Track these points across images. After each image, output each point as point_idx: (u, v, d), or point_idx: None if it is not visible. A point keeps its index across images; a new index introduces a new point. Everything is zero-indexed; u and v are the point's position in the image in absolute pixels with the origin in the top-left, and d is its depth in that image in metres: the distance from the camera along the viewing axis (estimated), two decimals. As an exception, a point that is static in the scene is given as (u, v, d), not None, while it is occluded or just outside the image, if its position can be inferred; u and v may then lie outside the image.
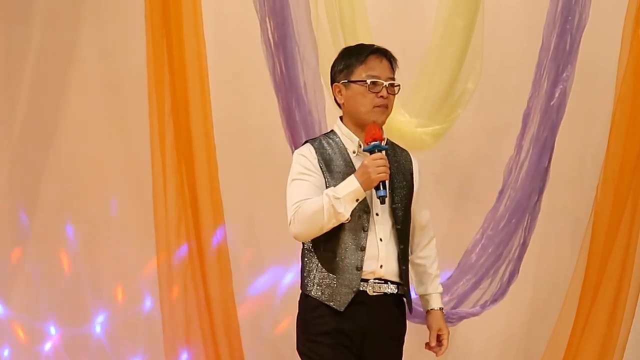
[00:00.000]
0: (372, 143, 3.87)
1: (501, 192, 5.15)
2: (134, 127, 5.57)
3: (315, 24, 5.04)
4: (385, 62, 4.02)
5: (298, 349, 4.02)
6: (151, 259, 5.35)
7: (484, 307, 5.11)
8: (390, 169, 3.90)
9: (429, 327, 4.12)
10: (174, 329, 5.21)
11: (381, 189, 3.83)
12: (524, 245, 5.14)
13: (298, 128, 4.95)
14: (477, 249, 5.12)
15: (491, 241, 5.11)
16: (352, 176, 3.85)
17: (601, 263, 5.25)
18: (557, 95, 5.05)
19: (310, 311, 3.96)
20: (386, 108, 3.98)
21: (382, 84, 3.97)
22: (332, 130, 4.11)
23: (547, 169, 5.11)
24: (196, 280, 5.21)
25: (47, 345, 5.72)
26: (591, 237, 5.28)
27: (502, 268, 5.12)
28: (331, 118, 5.00)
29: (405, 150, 4.19)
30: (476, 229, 5.16)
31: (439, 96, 5.24)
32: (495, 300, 5.13)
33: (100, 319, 5.71)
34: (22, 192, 5.75)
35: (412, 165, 4.13)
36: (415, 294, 4.22)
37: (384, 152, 3.89)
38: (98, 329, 5.72)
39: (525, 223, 5.12)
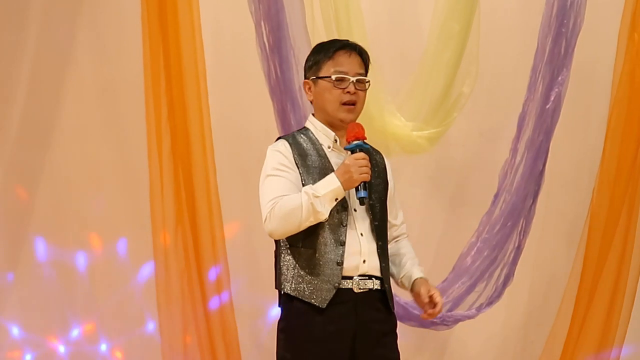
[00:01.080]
0: (355, 142, 3.79)
1: (496, 196, 5.16)
2: (131, 132, 5.56)
3: (311, 28, 5.05)
4: (354, 57, 3.92)
5: (279, 355, 3.94)
6: (149, 264, 5.35)
7: (479, 310, 5.13)
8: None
9: (418, 296, 3.94)
10: (171, 335, 5.22)
11: (361, 190, 3.75)
12: (519, 249, 5.15)
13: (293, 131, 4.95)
14: (473, 252, 5.13)
15: (486, 244, 5.12)
16: (333, 174, 3.77)
17: (597, 267, 5.25)
18: (552, 99, 5.06)
19: (296, 317, 3.88)
20: (354, 105, 3.89)
21: (349, 79, 3.87)
22: (304, 127, 4.02)
23: (542, 172, 5.12)
24: (193, 285, 5.21)
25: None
26: (587, 241, 5.29)
27: (497, 271, 5.14)
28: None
29: (379, 151, 4.10)
30: (471, 232, 5.17)
31: (434, 100, 5.25)
32: (490, 303, 5.14)
33: (94, 323, 5.72)
34: (18, 197, 5.75)
35: (385, 164, 4.06)
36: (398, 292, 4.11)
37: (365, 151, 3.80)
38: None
39: (521, 226, 5.14)
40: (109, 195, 5.70)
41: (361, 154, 3.76)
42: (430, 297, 3.92)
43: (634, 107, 5.22)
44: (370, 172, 3.76)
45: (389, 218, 4.02)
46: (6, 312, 5.73)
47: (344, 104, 3.88)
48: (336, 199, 3.77)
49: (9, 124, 5.72)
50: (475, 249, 5.12)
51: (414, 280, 3.99)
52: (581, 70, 5.27)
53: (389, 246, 4.01)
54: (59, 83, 5.72)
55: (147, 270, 5.44)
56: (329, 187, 3.75)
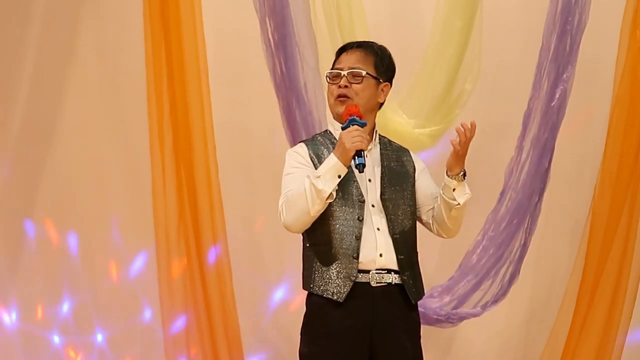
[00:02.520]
0: (349, 118, 3.82)
1: (502, 193, 5.16)
2: (133, 129, 5.55)
3: (313, 24, 5.04)
4: (352, 54, 3.99)
5: (300, 351, 3.96)
6: (151, 262, 5.33)
7: (484, 307, 5.12)
8: (385, 152, 3.96)
9: (453, 155, 3.97)
10: (173, 332, 5.22)
11: (358, 157, 3.76)
12: (524, 247, 5.15)
13: (298, 128, 4.96)
14: (478, 250, 5.13)
15: (492, 242, 5.12)
16: (331, 154, 3.82)
17: (599, 264, 5.25)
18: (557, 96, 5.07)
19: (314, 311, 3.92)
20: (348, 98, 3.93)
21: (340, 74, 3.94)
22: (327, 130, 4.10)
23: (547, 170, 5.13)
24: (195, 281, 5.21)
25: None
26: (589, 238, 5.30)
27: (503, 269, 5.14)
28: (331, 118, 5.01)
29: (405, 148, 4.15)
30: (477, 230, 5.17)
31: (436, 97, 5.24)
32: (496, 301, 5.14)
33: (100, 325, 5.71)
34: (20, 195, 5.72)
35: (413, 161, 4.11)
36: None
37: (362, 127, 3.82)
38: (99, 337, 5.71)
39: (526, 224, 5.14)
40: (111, 191, 5.70)
41: (353, 127, 3.79)
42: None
43: (636, 104, 5.22)
44: (364, 141, 3.77)
45: (431, 202, 4.06)
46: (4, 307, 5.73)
47: (337, 98, 3.94)
48: (339, 176, 3.79)
49: (11, 121, 5.72)
50: (481, 246, 5.12)
51: (445, 183, 4.00)
52: (584, 67, 5.26)
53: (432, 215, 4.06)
54: (61, 80, 5.72)
55: (149, 266, 5.42)
56: (328, 165, 3.80)
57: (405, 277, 3.91)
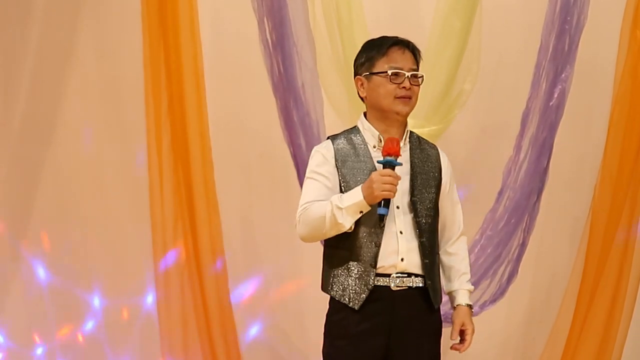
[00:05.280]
0: (386, 158, 3.78)
1: (500, 193, 5.16)
2: (131, 128, 5.55)
3: (312, 24, 5.04)
4: (407, 53, 3.95)
5: (322, 351, 3.97)
6: (148, 261, 5.34)
7: (483, 307, 5.11)
8: (414, 153, 3.94)
9: (452, 323, 3.98)
10: (170, 331, 5.22)
11: (382, 206, 3.75)
12: (523, 246, 5.14)
13: (296, 128, 4.95)
14: (476, 250, 5.13)
15: (490, 242, 5.12)
16: (359, 187, 3.79)
17: (599, 263, 5.24)
18: (556, 95, 5.06)
19: (334, 314, 3.92)
20: (409, 99, 3.91)
21: (404, 74, 3.90)
22: (355, 126, 4.03)
23: (546, 169, 5.12)
24: (193, 281, 5.21)
25: (39, 350, 5.72)
26: (589, 238, 5.28)
27: (501, 268, 5.13)
28: (329, 119, 5.01)
29: (434, 146, 4.11)
30: (475, 229, 5.15)
31: (435, 97, 5.23)
32: (494, 300, 5.13)
33: (96, 320, 5.71)
34: (20, 195, 5.74)
35: (440, 160, 4.05)
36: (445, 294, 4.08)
37: (395, 168, 3.78)
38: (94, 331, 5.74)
39: (525, 223, 5.13)
40: (110, 191, 5.70)
41: (388, 171, 3.75)
42: (461, 332, 3.95)
43: (636, 103, 5.22)
44: (394, 189, 3.75)
45: (446, 215, 4.05)
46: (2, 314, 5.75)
47: (399, 97, 3.89)
48: (361, 212, 3.78)
49: (11, 120, 5.73)
50: (479, 246, 5.12)
51: (456, 306, 4.00)
52: (583, 67, 5.26)
53: (441, 253, 4.04)
54: (60, 80, 5.72)
55: (147, 265, 5.42)
56: (353, 200, 3.77)
57: (430, 282, 3.89)
